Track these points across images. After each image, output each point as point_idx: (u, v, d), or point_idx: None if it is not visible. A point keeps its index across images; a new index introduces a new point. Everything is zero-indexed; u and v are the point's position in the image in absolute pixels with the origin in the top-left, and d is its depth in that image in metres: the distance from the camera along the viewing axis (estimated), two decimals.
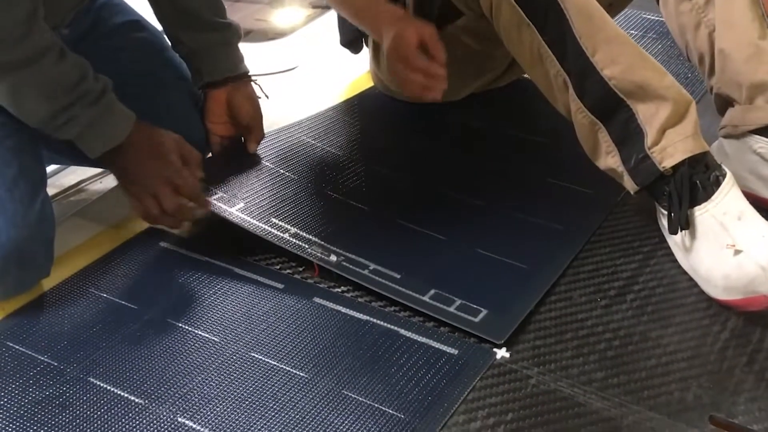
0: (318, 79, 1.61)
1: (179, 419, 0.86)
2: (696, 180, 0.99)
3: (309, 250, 1.08)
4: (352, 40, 1.41)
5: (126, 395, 0.89)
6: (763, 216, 0.98)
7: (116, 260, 1.10)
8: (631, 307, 1.00)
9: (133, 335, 0.97)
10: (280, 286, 1.05)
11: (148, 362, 0.93)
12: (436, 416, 0.85)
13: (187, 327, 0.98)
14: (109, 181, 1.30)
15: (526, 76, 1.24)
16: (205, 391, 0.89)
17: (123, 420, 0.86)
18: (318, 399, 0.88)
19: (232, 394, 0.89)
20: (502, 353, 0.93)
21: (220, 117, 1.25)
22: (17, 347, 0.96)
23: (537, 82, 1.09)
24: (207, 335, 0.97)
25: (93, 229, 1.18)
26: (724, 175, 0.99)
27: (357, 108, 1.47)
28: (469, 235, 1.12)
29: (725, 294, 0.97)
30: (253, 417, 0.86)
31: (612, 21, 1.03)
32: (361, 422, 0.85)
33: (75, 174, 1.32)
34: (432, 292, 1.01)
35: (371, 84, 1.49)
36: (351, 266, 1.05)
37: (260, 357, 0.94)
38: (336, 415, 0.86)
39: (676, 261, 1.06)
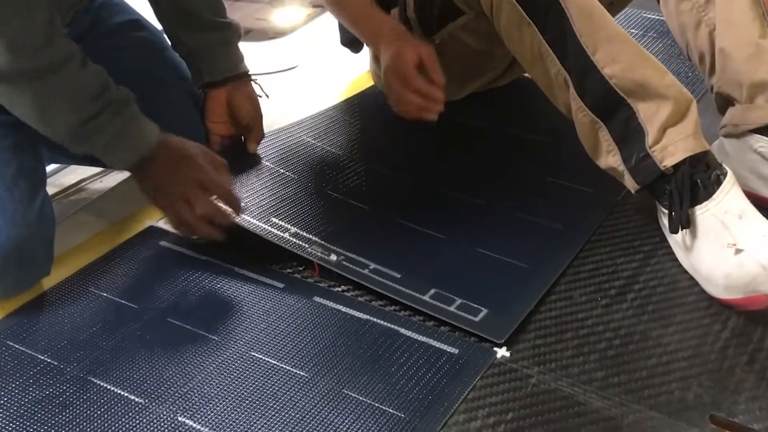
0: (318, 78, 1.61)
1: (179, 418, 0.86)
2: (697, 179, 0.99)
3: (309, 249, 1.08)
4: (352, 39, 1.41)
5: (126, 394, 0.89)
6: (764, 215, 0.98)
7: (116, 259, 1.10)
8: (632, 306, 0.99)
9: (133, 334, 0.97)
10: (280, 285, 1.05)
11: (148, 361, 0.93)
12: (437, 415, 0.85)
13: (187, 326, 0.98)
14: (110, 181, 1.30)
15: (526, 75, 1.24)
16: (206, 390, 0.89)
17: (123, 419, 0.86)
18: (318, 398, 0.88)
19: (232, 393, 0.89)
20: (502, 352, 0.93)
21: (220, 117, 1.25)
22: (17, 346, 0.96)
23: (537, 81, 1.09)
24: (207, 334, 0.97)
25: (93, 228, 1.18)
26: (725, 174, 0.99)
27: (357, 107, 1.47)
28: (469, 235, 1.12)
29: (726, 293, 0.97)
30: (253, 416, 0.86)
31: (612, 20, 1.03)
32: (362, 421, 0.85)
33: (75, 173, 1.32)
34: (432, 291, 1.01)
35: (371, 83, 1.49)
36: (351, 266, 1.05)
37: (260, 356, 0.94)
38: (336, 414, 0.86)
39: (676, 260, 1.05)
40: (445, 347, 0.94)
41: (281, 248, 1.07)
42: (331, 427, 0.84)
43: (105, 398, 0.88)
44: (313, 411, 0.86)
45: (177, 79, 1.24)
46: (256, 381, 0.90)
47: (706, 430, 0.83)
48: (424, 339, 0.95)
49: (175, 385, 0.90)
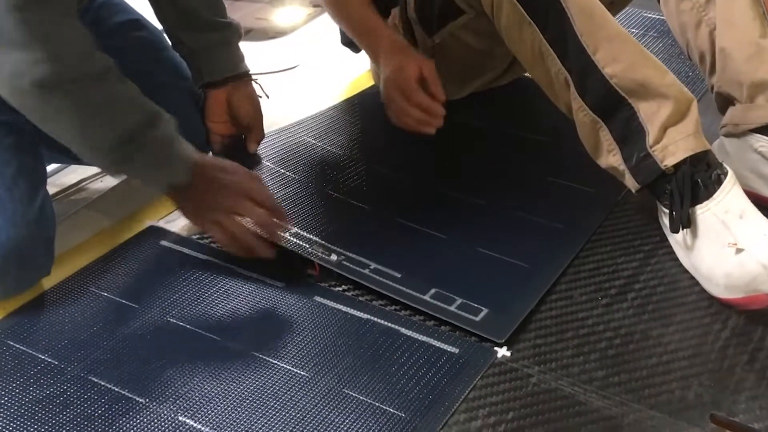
0: (319, 78, 1.61)
1: (180, 418, 0.86)
2: (697, 178, 0.99)
3: (310, 249, 1.08)
4: (352, 39, 1.41)
5: (127, 394, 0.89)
6: (764, 214, 0.98)
7: (117, 259, 1.10)
8: (632, 305, 0.99)
9: (133, 334, 0.97)
10: (280, 284, 1.05)
11: (148, 361, 0.93)
12: (437, 415, 0.85)
13: (187, 326, 0.98)
14: (110, 180, 1.30)
15: (526, 74, 1.24)
16: (206, 390, 0.89)
17: (124, 419, 0.86)
18: (319, 398, 0.88)
19: (232, 392, 0.89)
20: (502, 352, 0.93)
21: (220, 117, 1.25)
22: (18, 346, 0.96)
23: (538, 80, 1.09)
24: (207, 334, 0.97)
25: (94, 227, 1.18)
26: (725, 174, 0.99)
27: (358, 107, 1.47)
28: (469, 234, 1.12)
29: (726, 292, 0.97)
30: (253, 416, 0.86)
31: (613, 19, 1.03)
32: (362, 421, 0.85)
33: (76, 173, 1.32)
34: (433, 291, 1.01)
35: (372, 83, 1.49)
36: (352, 265, 1.05)
37: (260, 356, 0.94)
38: (337, 413, 0.86)
39: (677, 260, 1.05)
40: (445, 347, 0.94)
41: (281, 248, 1.07)
42: (331, 426, 0.84)
43: (105, 398, 0.88)
44: (313, 410, 0.86)
45: (177, 79, 1.24)
46: (257, 380, 0.90)
47: (707, 429, 0.83)
48: (424, 338, 0.95)
49: (176, 385, 0.90)
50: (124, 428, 0.85)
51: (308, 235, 1.10)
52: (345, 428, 0.84)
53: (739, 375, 0.89)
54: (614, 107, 1.02)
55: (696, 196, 0.99)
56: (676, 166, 1.00)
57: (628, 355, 0.92)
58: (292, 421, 0.85)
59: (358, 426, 0.84)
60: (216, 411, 0.87)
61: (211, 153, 1.26)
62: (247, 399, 0.88)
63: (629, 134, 1.02)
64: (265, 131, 1.31)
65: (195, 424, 0.85)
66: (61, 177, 1.31)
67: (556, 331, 0.96)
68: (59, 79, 0.89)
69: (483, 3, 1.08)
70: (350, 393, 0.88)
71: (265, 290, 1.04)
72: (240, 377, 0.91)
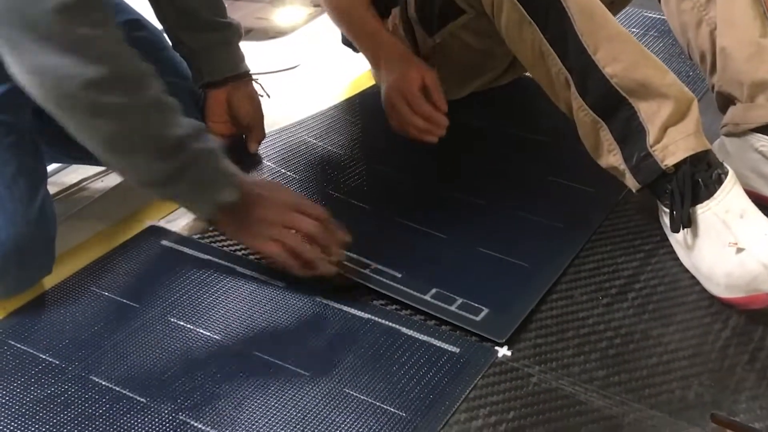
0: (319, 77, 1.61)
1: (181, 417, 0.86)
2: (698, 178, 0.99)
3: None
4: (353, 43, 1.41)
5: (128, 393, 0.89)
6: (765, 214, 0.98)
7: (118, 259, 1.10)
8: (633, 305, 1.00)
9: (134, 334, 0.97)
10: (281, 284, 1.05)
11: (149, 360, 0.93)
12: (438, 414, 0.85)
13: (188, 325, 0.98)
14: (111, 180, 1.30)
15: (527, 74, 1.24)
16: (207, 389, 0.89)
17: (125, 418, 0.86)
18: (319, 397, 0.88)
19: (233, 392, 0.89)
20: (503, 351, 0.93)
21: (220, 117, 1.25)
22: (19, 346, 0.96)
23: (538, 80, 1.09)
24: (208, 333, 0.97)
25: (94, 227, 1.18)
26: (726, 173, 0.99)
27: (358, 107, 1.47)
28: (470, 234, 1.12)
29: (727, 292, 0.97)
30: (254, 415, 0.86)
31: (614, 19, 1.03)
32: (363, 420, 0.85)
33: (76, 172, 1.32)
34: (433, 291, 1.01)
35: (372, 83, 1.49)
36: (352, 265, 1.05)
37: (261, 355, 0.94)
38: (337, 413, 0.86)
39: (677, 259, 1.05)
40: (446, 346, 0.94)
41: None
42: (332, 425, 0.84)
43: (106, 397, 0.89)
44: (314, 410, 0.86)
45: (177, 79, 1.24)
46: (258, 380, 0.90)
47: (707, 429, 0.83)
48: (425, 338, 0.95)
49: (177, 384, 0.90)
50: (125, 427, 0.85)
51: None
52: (345, 427, 0.84)
53: (740, 375, 0.89)
54: (614, 107, 1.02)
55: (696, 195, 0.99)
56: (677, 165, 1.00)
57: (628, 354, 0.92)
58: (293, 420, 0.85)
59: (359, 425, 0.84)
60: (217, 410, 0.87)
61: None
62: (248, 398, 0.88)
63: (629, 134, 1.02)
64: (266, 131, 1.31)
65: (196, 423, 0.85)
66: (62, 176, 1.31)
67: (557, 331, 0.96)
68: (109, 81, 0.86)
69: (483, 3, 1.08)
70: (351, 392, 0.88)
71: (265, 290, 1.04)
72: (241, 376, 0.91)
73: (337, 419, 0.85)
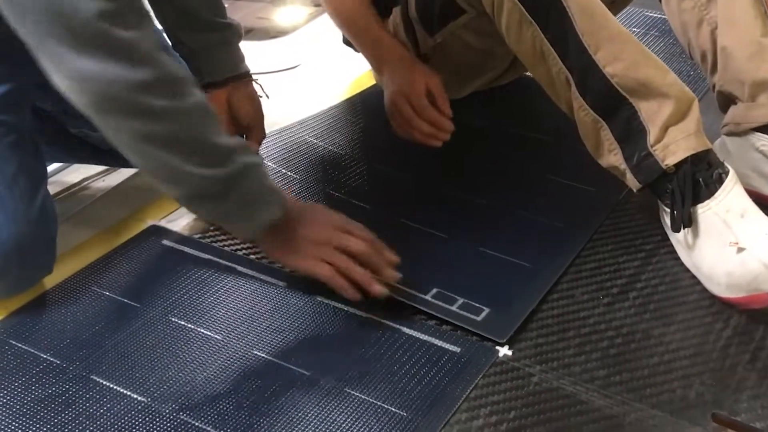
0: (320, 77, 1.61)
1: (181, 417, 0.86)
2: (699, 177, 0.99)
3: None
4: (355, 47, 1.41)
5: (128, 393, 0.89)
6: (766, 213, 0.98)
7: (119, 258, 1.10)
8: (634, 304, 0.99)
9: (135, 333, 0.97)
10: (282, 283, 1.05)
11: (150, 360, 0.93)
12: (439, 414, 0.85)
13: (189, 325, 0.98)
14: (112, 179, 1.30)
15: (528, 74, 1.24)
16: (208, 389, 0.89)
17: (125, 418, 0.86)
18: (320, 397, 0.88)
19: (234, 391, 0.89)
20: (504, 351, 0.93)
21: (220, 117, 1.25)
22: (20, 345, 0.96)
23: (539, 79, 1.09)
24: (209, 333, 0.97)
25: (95, 226, 1.18)
26: (726, 173, 0.99)
27: (359, 106, 1.47)
28: (471, 234, 1.12)
29: (728, 291, 0.97)
30: (255, 415, 0.86)
31: (614, 18, 1.03)
32: (364, 420, 0.85)
33: (78, 172, 1.32)
34: (434, 290, 1.01)
35: (373, 82, 1.49)
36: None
37: (262, 355, 0.94)
38: (338, 413, 0.86)
39: (678, 259, 1.05)
40: (447, 346, 0.94)
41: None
42: (333, 425, 0.84)
43: (107, 397, 0.89)
44: (315, 409, 0.86)
45: None
46: (259, 379, 0.90)
47: (709, 428, 0.83)
48: (426, 338, 0.95)
49: (178, 384, 0.90)
50: (126, 427, 0.85)
51: None
52: (346, 427, 0.84)
53: (741, 374, 0.89)
54: (615, 106, 1.02)
55: (697, 195, 0.99)
56: (678, 165, 1.00)
57: (629, 354, 0.92)
58: (294, 419, 0.85)
59: (360, 425, 0.84)
60: (218, 410, 0.87)
61: None
62: (249, 398, 0.88)
63: (630, 133, 1.02)
64: (266, 131, 1.31)
65: (197, 423, 0.85)
66: (64, 176, 1.31)
67: (558, 330, 0.96)
68: (154, 83, 0.84)
69: (484, 2, 1.08)
70: (352, 392, 0.88)
71: (266, 289, 1.04)
72: (242, 376, 0.91)
73: (338, 419, 0.85)
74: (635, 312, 0.98)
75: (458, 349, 0.93)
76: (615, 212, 1.15)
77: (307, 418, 0.85)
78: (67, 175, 1.31)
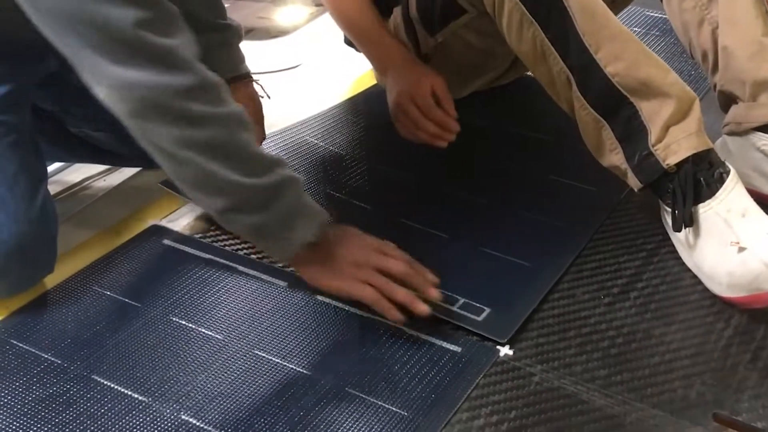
0: (321, 77, 1.61)
1: (182, 417, 0.86)
2: (700, 177, 0.99)
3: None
4: (357, 48, 1.41)
5: (129, 393, 0.89)
6: (767, 213, 0.98)
7: (120, 258, 1.11)
8: (635, 304, 0.99)
9: (136, 333, 0.97)
10: (283, 283, 1.05)
11: (151, 360, 0.93)
12: (440, 414, 0.85)
13: (190, 325, 0.99)
14: (113, 179, 1.30)
15: (529, 73, 1.24)
16: (209, 389, 0.89)
17: (126, 417, 0.86)
18: (321, 396, 0.88)
19: (235, 391, 0.89)
20: (505, 351, 0.93)
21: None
22: (21, 345, 0.96)
23: (540, 79, 1.09)
24: (210, 333, 0.97)
25: (96, 226, 1.18)
26: (728, 173, 0.99)
27: (360, 106, 1.47)
28: (471, 234, 1.12)
29: (729, 291, 0.97)
30: (256, 414, 0.86)
31: (615, 18, 1.03)
32: (365, 419, 0.85)
33: (79, 171, 1.32)
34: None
35: (374, 82, 1.49)
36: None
37: (263, 354, 0.94)
38: (339, 412, 0.86)
39: (679, 258, 1.05)
40: (448, 345, 0.94)
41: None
42: (334, 424, 0.84)
43: (108, 396, 0.89)
44: (316, 409, 0.86)
45: None
46: (260, 379, 0.90)
47: (709, 428, 0.83)
48: (426, 337, 0.95)
49: (179, 384, 0.90)
50: (127, 427, 0.85)
51: None
52: (347, 427, 0.84)
53: (742, 374, 0.89)
54: (616, 106, 1.02)
55: (698, 194, 0.99)
56: (679, 164, 1.00)
57: (630, 353, 0.92)
58: (295, 419, 0.85)
59: (361, 424, 0.84)
60: (219, 409, 0.87)
61: None
62: (250, 397, 0.88)
63: (631, 133, 1.02)
64: (267, 131, 1.31)
65: (198, 423, 0.85)
66: (65, 175, 1.31)
67: (559, 330, 0.96)
68: (195, 89, 0.83)
69: (485, 2, 1.08)
70: (353, 391, 0.88)
71: (267, 289, 1.04)
72: (243, 376, 0.91)
73: (339, 418, 0.85)
74: (636, 312, 0.98)
75: (459, 349, 0.93)
76: (616, 212, 1.15)
77: (308, 417, 0.85)
78: (68, 174, 1.32)
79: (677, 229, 1.01)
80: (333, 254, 0.93)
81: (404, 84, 1.18)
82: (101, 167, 1.31)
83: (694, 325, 0.96)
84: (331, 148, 1.34)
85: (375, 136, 1.37)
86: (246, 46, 1.27)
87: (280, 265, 1.07)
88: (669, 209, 1.02)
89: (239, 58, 1.26)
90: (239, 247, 1.11)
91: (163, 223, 1.17)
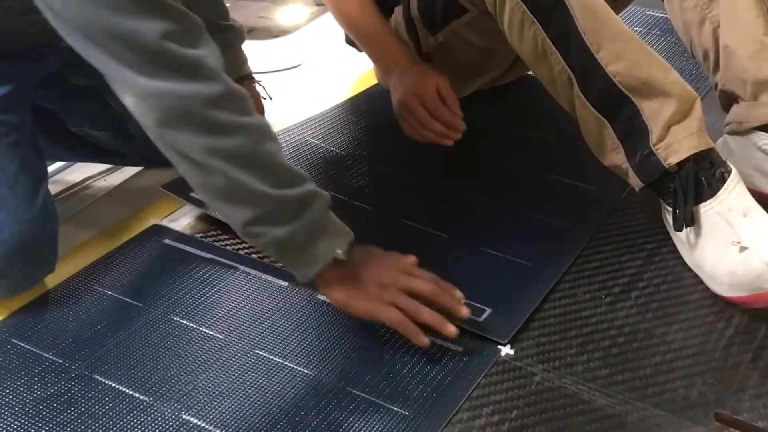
0: (322, 76, 1.61)
1: (184, 416, 0.86)
2: (701, 177, 0.99)
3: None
4: (360, 48, 1.41)
5: (131, 392, 0.89)
6: None
7: (121, 257, 1.11)
8: (636, 304, 0.99)
9: (137, 332, 0.97)
10: (284, 283, 1.05)
11: (152, 359, 0.93)
12: (441, 413, 0.85)
13: (191, 324, 0.99)
14: (114, 179, 1.30)
15: (530, 73, 1.24)
16: (210, 388, 0.89)
17: (128, 417, 0.86)
18: (322, 396, 0.88)
19: (236, 391, 0.89)
20: (506, 350, 0.93)
21: None
22: (22, 344, 0.96)
23: (541, 78, 1.09)
24: (211, 332, 0.97)
25: (97, 226, 1.18)
26: (729, 172, 0.99)
27: (361, 106, 1.47)
28: (472, 234, 1.12)
29: (730, 291, 0.97)
30: (257, 414, 0.86)
31: (617, 17, 1.03)
32: (366, 419, 0.85)
33: (80, 171, 1.32)
34: None
35: (375, 81, 1.49)
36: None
37: (264, 354, 0.94)
38: (340, 411, 0.86)
39: (680, 258, 1.05)
40: (448, 345, 0.94)
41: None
42: (335, 424, 0.84)
43: (110, 396, 0.89)
44: (317, 408, 0.86)
45: None
46: (261, 379, 0.90)
47: (711, 427, 0.83)
48: (428, 336, 0.95)
49: (180, 383, 0.90)
50: (129, 426, 0.85)
51: None
52: (348, 426, 0.84)
53: (743, 373, 0.89)
54: (617, 105, 1.02)
55: (699, 194, 0.99)
56: (680, 164, 0.99)
57: (631, 353, 0.92)
58: (296, 418, 0.85)
59: (362, 424, 0.84)
60: (220, 409, 0.87)
61: None
62: (251, 397, 0.88)
63: (632, 132, 1.02)
64: None
65: (199, 422, 0.85)
66: (66, 175, 1.31)
67: (560, 330, 0.96)
68: (222, 98, 0.83)
69: (486, 1, 1.08)
70: (354, 391, 0.88)
71: (268, 288, 1.04)
72: (244, 375, 0.91)
73: (340, 418, 0.85)
74: (637, 311, 0.98)
75: (460, 348, 0.93)
76: (617, 211, 1.15)
77: (309, 416, 0.85)
78: (68, 174, 1.32)
79: (678, 229, 1.00)
80: (358, 275, 0.91)
81: (409, 84, 1.18)
82: (102, 167, 1.32)
83: (696, 325, 0.96)
84: (331, 148, 1.34)
85: (376, 136, 1.37)
86: (247, 46, 1.27)
87: (281, 264, 1.06)
88: (670, 209, 1.02)
89: (242, 59, 1.26)
90: (240, 246, 1.11)
91: (164, 222, 1.17)
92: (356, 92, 1.51)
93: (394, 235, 1.13)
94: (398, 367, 0.91)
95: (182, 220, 1.17)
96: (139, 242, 1.14)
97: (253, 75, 1.29)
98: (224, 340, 0.96)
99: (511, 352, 0.93)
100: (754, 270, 0.93)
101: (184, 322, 0.99)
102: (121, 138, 1.21)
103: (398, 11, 1.29)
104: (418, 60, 1.23)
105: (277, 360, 0.93)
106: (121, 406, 0.87)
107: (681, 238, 1.03)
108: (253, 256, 1.09)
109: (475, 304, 0.98)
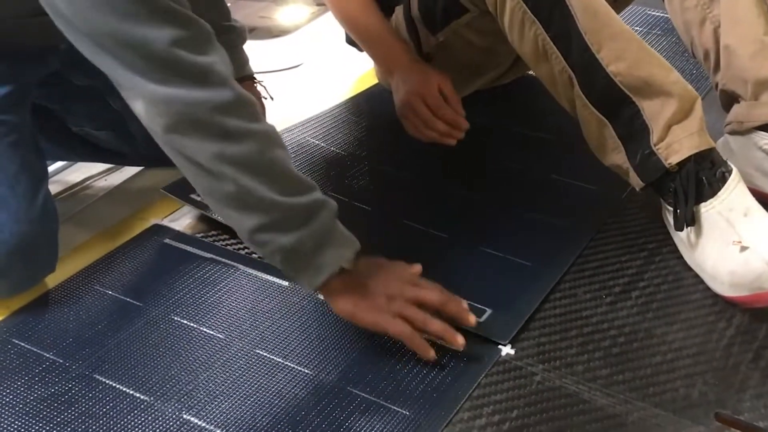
0: (322, 76, 1.61)
1: (184, 416, 0.86)
2: (702, 176, 0.99)
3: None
4: (362, 48, 1.41)
5: (131, 392, 0.89)
6: None
7: (121, 257, 1.11)
8: (636, 303, 0.99)
9: (138, 332, 0.97)
10: (284, 283, 1.05)
11: (153, 359, 0.93)
12: (441, 413, 0.85)
13: (192, 324, 0.99)
14: (114, 179, 1.30)
15: (530, 72, 1.24)
16: (210, 388, 0.89)
17: (128, 417, 0.86)
18: (323, 396, 0.88)
19: (237, 390, 0.89)
20: (507, 350, 0.93)
21: None
22: (23, 344, 0.96)
23: (542, 78, 1.09)
24: (212, 332, 0.97)
25: (98, 225, 1.18)
26: (730, 172, 0.99)
27: (362, 106, 1.47)
28: (472, 234, 1.12)
29: (731, 290, 0.97)
30: (258, 414, 0.86)
31: (617, 17, 1.03)
32: (366, 419, 0.85)
33: (80, 171, 1.32)
34: None
35: (376, 81, 1.49)
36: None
37: (265, 354, 0.94)
38: (341, 411, 0.86)
39: (681, 258, 1.05)
40: (449, 344, 0.94)
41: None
42: (335, 424, 0.84)
43: (110, 396, 0.89)
44: (317, 408, 0.86)
45: None
46: (261, 378, 0.90)
47: (711, 427, 0.83)
48: (427, 336, 0.95)
49: (180, 383, 0.90)
50: (129, 426, 0.85)
51: None
52: (349, 426, 0.84)
53: (744, 373, 0.89)
54: (618, 105, 1.02)
55: (700, 194, 0.98)
56: (681, 164, 0.99)
57: (632, 353, 0.92)
58: (297, 418, 0.85)
59: (362, 423, 0.84)
60: (220, 409, 0.87)
61: None
62: (252, 397, 0.88)
63: (633, 132, 1.02)
64: None
65: (199, 422, 0.85)
66: (66, 175, 1.31)
67: (560, 330, 0.96)
68: (232, 104, 0.83)
69: (486, 1, 1.08)
70: (354, 391, 0.88)
71: (269, 288, 1.04)
72: (244, 375, 0.91)
73: (341, 417, 0.85)
74: (638, 311, 0.98)
75: (461, 348, 0.93)
76: (617, 211, 1.15)
77: (309, 416, 0.85)
78: (69, 174, 1.32)
79: (679, 229, 1.00)
80: (365, 285, 0.91)
81: (412, 83, 1.18)
82: (102, 166, 1.32)
83: (696, 325, 0.96)
84: (332, 148, 1.34)
85: (376, 136, 1.37)
86: (247, 46, 1.27)
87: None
88: (671, 208, 1.02)
89: (243, 60, 1.26)
90: (241, 246, 1.11)
91: (165, 222, 1.17)
92: (357, 92, 1.51)
93: (395, 235, 1.13)
94: (399, 366, 0.91)
95: (183, 219, 1.17)
96: (139, 242, 1.14)
97: (254, 75, 1.29)
98: (225, 339, 0.96)
99: (512, 352, 0.93)
100: (754, 270, 0.93)
101: (185, 321, 0.99)
102: (122, 138, 1.21)
103: (399, 11, 1.29)
104: (419, 60, 1.23)
105: (278, 360, 0.93)
106: (121, 405, 0.87)
107: (682, 237, 1.03)
108: (254, 256, 1.09)
109: (476, 304, 0.98)
